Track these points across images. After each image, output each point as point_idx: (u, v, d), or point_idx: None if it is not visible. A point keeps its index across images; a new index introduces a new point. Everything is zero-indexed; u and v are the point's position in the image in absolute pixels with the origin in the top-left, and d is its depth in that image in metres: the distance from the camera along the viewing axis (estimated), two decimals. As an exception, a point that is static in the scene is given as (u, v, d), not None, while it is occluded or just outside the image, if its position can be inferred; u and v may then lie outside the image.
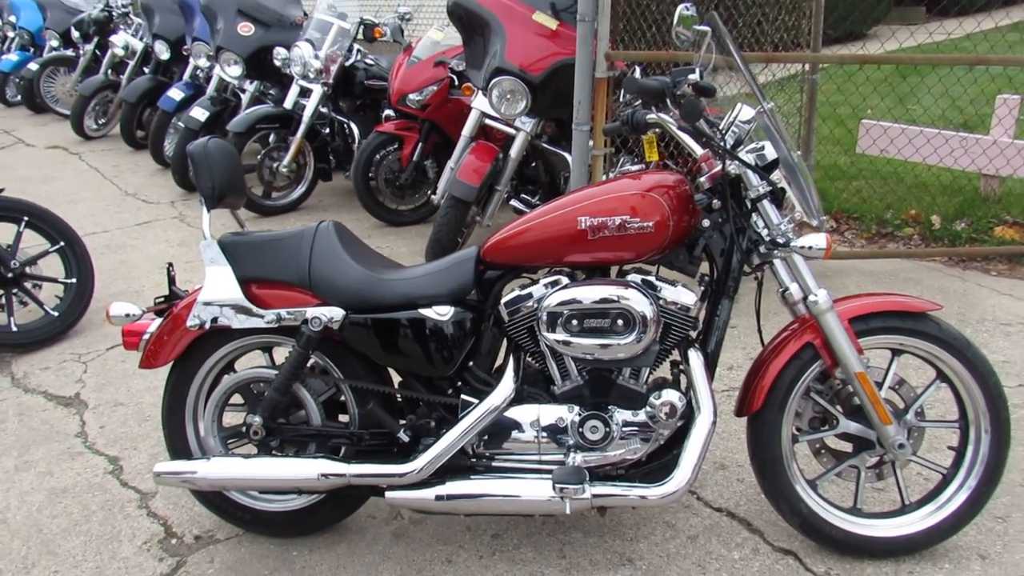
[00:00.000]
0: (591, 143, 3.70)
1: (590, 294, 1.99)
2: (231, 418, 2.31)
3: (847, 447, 2.19)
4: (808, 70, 4.92)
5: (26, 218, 3.59)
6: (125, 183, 6.28)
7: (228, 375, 2.26)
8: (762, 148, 2.00)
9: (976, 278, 4.06)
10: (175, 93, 6.22)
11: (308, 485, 2.10)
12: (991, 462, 2.09)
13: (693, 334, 2.12)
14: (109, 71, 7.91)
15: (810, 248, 1.93)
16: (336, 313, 2.08)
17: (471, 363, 2.16)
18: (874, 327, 2.07)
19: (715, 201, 2.06)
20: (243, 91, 5.83)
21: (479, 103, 4.19)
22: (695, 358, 2.06)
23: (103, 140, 7.85)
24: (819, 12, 4.72)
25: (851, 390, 2.08)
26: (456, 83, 4.58)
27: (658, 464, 2.10)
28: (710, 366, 2.09)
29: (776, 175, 1.99)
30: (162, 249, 4.76)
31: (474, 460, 2.12)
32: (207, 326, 2.13)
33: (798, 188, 1.99)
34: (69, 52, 9.04)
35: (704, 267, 2.14)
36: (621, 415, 2.06)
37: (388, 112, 5.15)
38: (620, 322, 1.98)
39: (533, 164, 4.49)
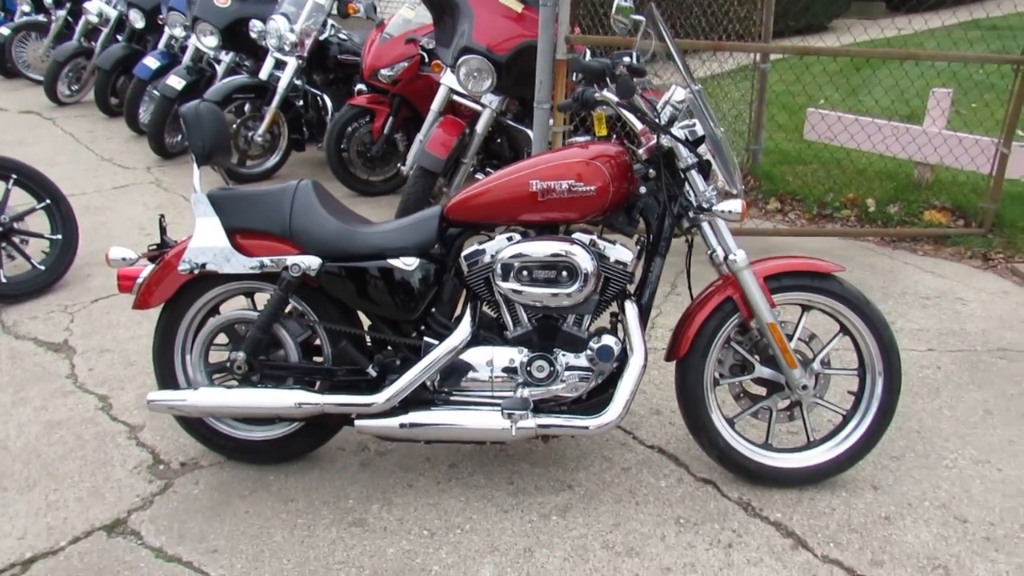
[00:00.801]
0: (551, 120, 3.97)
1: (540, 249, 2.27)
2: (216, 357, 2.55)
3: (763, 392, 2.50)
4: (759, 60, 5.24)
5: (14, 176, 3.76)
6: (101, 149, 6.41)
7: (213, 317, 2.50)
8: (693, 125, 2.29)
9: (904, 257, 4.42)
10: (151, 61, 6.34)
11: (286, 413, 2.37)
12: (883, 404, 2.42)
13: (631, 288, 2.41)
14: (83, 38, 7.97)
15: (728, 212, 2.22)
16: (314, 261, 2.34)
17: (434, 309, 2.43)
18: (785, 284, 2.38)
19: (651, 171, 2.35)
20: (219, 62, 5.98)
21: (447, 80, 4.43)
22: (630, 309, 2.36)
23: (77, 106, 7.92)
24: (770, 4, 5.03)
25: (766, 341, 2.39)
26: (426, 60, 4.81)
27: (597, 400, 2.39)
28: (644, 316, 2.39)
29: (703, 149, 2.28)
30: (139, 212, 4.95)
31: (435, 395, 2.40)
32: (196, 271, 2.37)
33: (722, 161, 2.27)
34: (41, 17, 9.04)
35: (642, 229, 2.42)
36: (565, 357, 2.35)
37: (360, 86, 5.37)
38: (565, 274, 2.26)
39: (498, 140, 4.76)
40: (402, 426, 2.33)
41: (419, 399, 2.38)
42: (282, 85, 5.35)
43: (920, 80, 5.18)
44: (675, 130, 2.29)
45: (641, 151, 2.37)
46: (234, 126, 5.43)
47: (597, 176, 2.25)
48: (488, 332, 2.43)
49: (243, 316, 2.46)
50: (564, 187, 2.25)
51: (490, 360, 2.37)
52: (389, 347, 2.46)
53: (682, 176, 2.32)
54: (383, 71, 4.96)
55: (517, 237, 2.35)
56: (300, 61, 5.37)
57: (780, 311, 2.37)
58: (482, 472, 2.56)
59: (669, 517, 2.37)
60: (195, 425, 2.52)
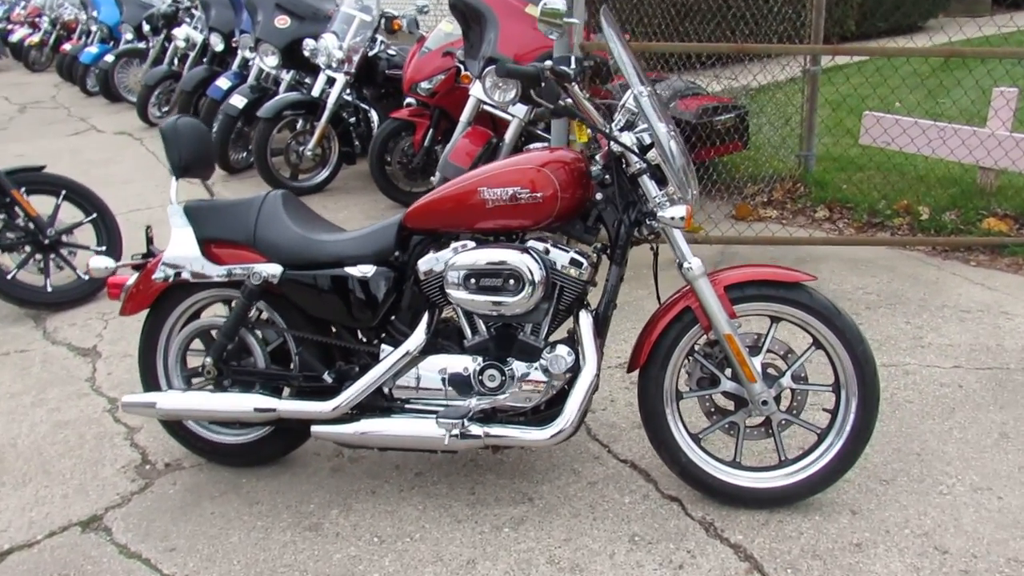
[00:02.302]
0: (571, 132, 3.93)
1: (486, 257, 2.25)
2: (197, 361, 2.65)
3: (732, 407, 2.38)
4: (810, 63, 5.02)
5: (64, 192, 4.06)
6: (175, 165, 6.80)
7: (190, 323, 2.61)
8: (647, 129, 2.22)
9: (954, 267, 4.11)
10: (223, 82, 6.69)
11: (245, 417, 2.44)
12: (857, 424, 2.26)
13: (591, 297, 2.35)
14: (174, 62, 8.51)
15: (671, 219, 2.14)
16: (275, 269, 2.41)
17: (393, 317, 2.45)
18: (749, 294, 2.26)
19: (607, 176, 2.29)
20: (280, 80, 6.25)
21: (476, 91, 4.47)
22: (584, 318, 2.30)
23: (166, 126, 8.43)
24: (820, 4, 4.82)
25: (724, 353, 2.27)
26: (462, 72, 4.86)
27: (555, 411, 2.34)
28: (601, 326, 2.32)
29: (652, 154, 2.20)
30: (195, 224, 5.22)
31: (392, 402, 2.42)
32: (171, 279, 2.49)
33: (672, 166, 2.19)
34: (141, 45, 9.71)
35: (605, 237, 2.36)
36: (518, 366, 2.32)
37: (410, 99, 5.49)
38: (512, 282, 2.23)
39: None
40: (355, 433, 2.36)
41: (375, 406, 2.41)
42: (331, 100, 5.54)
43: (1006, 80, 4.78)
44: (625, 135, 2.23)
45: (598, 156, 2.33)
46: (287, 141, 5.67)
47: (546, 183, 2.22)
48: (447, 340, 2.43)
49: (215, 323, 2.55)
50: (512, 195, 2.23)
51: (444, 368, 2.36)
52: (352, 354, 2.50)
53: (636, 182, 2.25)
54: (422, 84, 5.05)
55: (471, 245, 2.34)
56: (348, 77, 5.54)
57: (741, 323, 2.25)
58: (446, 481, 2.55)
59: (624, 534, 2.29)
60: (175, 428, 2.64)
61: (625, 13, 4.81)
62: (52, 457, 2.77)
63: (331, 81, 5.60)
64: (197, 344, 2.64)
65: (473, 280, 2.26)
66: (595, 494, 2.46)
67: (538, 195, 2.21)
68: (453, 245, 2.36)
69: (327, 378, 2.44)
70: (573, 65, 2.15)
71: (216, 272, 2.45)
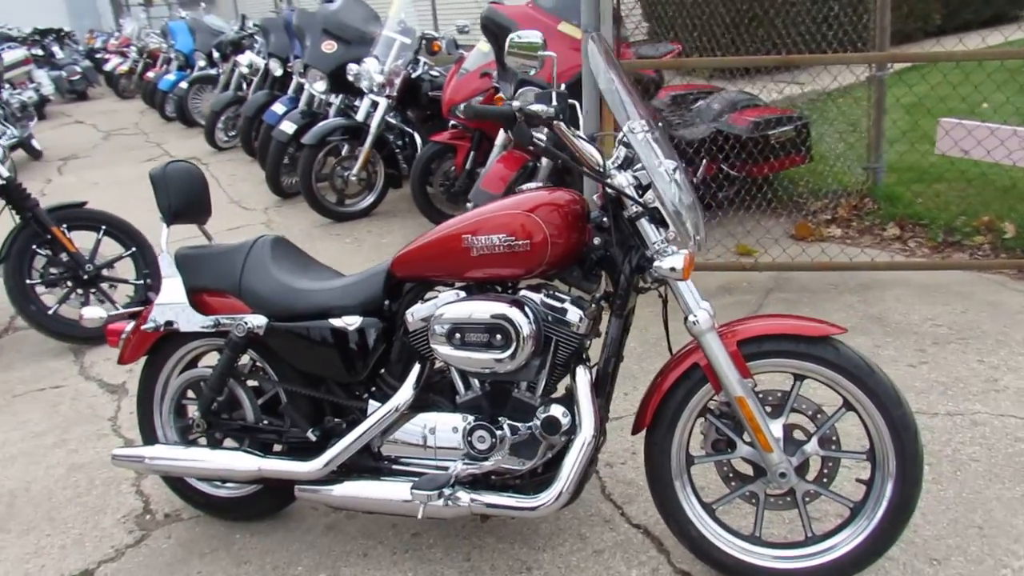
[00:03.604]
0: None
1: (471, 309, 2.07)
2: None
3: (751, 473, 2.12)
4: (875, 68, 4.64)
5: (104, 227, 4.11)
6: (233, 191, 6.91)
7: (182, 374, 2.53)
8: (641, 169, 2.00)
9: (1041, 294, 3.67)
10: (278, 107, 6.73)
11: (226, 475, 2.34)
12: (894, 500, 1.96)
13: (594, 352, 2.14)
14: (241, 87, 8.70)
15: (667, 269, 1.91)
16: (260, 320, 2.29)
17: (383, 370, 2.30)
18: (767, 350, 2.00)
19: (604, 220, 2.08)
20: (330, 105, 6.24)
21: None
22: (581, 375, 2.09)
23: (234, 151, 8.61)
24: (883, 5, 4.44)
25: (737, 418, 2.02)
26: (499, 93, 4.70)
27: (553, 475, 2.14)
28: (601, 384, 2.11)
29: (649, 196, 1.97)
30: (241, 252, 5.24)
31: (380, 462, 2.27)
32: (161, 328, 2.41)
33: (671, 208, 1.95)
34: (213, 71, 9.99)
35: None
36: (510, 427, 2.13)
37: (454, 121, 5.37)
38: (500, 337, 2.04)
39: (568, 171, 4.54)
40: (337, 496, 2.22)
41: (365, 467, 2.26)
42: (374, 124, 5.48)
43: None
44: (621, 176, 2.01)
45: (595, 197, 2.12)
46: (332, 166, 5.64)
47: (535, 229, 2.02)
48: (439, 396, 2.26)
49: (204, 374, 2.46)
50: (496, 242, 2.05)
51: (433, 427, 2.20)
52: (343, 410, 2.36)
53: (631, 226, 2.03)
54: (461, 106, 4.91)
55: (461, 295, 2.17)
56: (390, 100, 5.47)
57: (756, 381, 1.99)
58: (442, 545, 2.38)
59: (626, 616, 2.07)
60: (173, 480, 2.56)
61: (677, 23, 4.54)
62: (60, 503, 2.75)
63: (375, 105, 5.54)
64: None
65: (458, 335, 2.09)
66: (599, 565, 2.24)
67: (526, 242, 2.02)
68: (442, 294, 2.20)
69: (311, 435, 2.30)
70: (555, 102, 1.95)
71: (203, 323, 2.36)
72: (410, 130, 5.64)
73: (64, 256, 4.00)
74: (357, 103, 6.20)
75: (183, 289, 2.40)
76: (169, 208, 2.45)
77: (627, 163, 2.07)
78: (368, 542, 2.42)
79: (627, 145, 2.05)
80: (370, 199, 5.78)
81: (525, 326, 2.03)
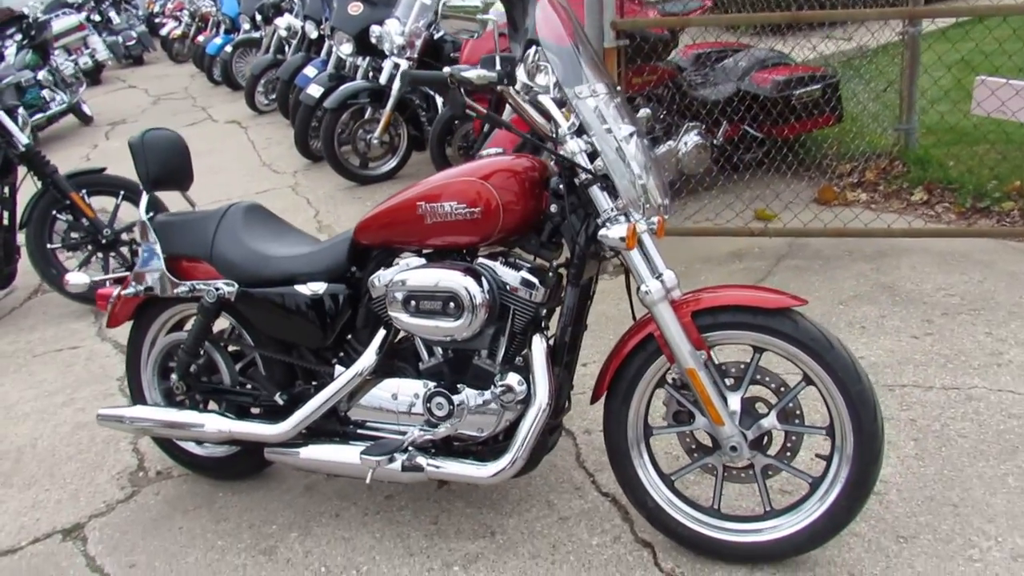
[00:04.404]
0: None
1: (425, 277, 2.07)
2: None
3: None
4: (908, 24, 4.40)
5: (122, 192, 4.22)
6: (267, 154, 7.01)
7: (169, 335, 2.60)
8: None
9: (1069, 262, 3.48)
10: (309, 70, 6.76)
11: (200, 436, 2.41)
12: (852, 477, 1.90)
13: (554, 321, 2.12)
14: (282, 50, 8.75)
15: (609, 238, 1.86)
16: (230, 287, 2.34)
17: (349, 336, 2.32)
18: (722, 322, 1.94)
19: (561, 186, 2.04)
20: (358, 68, 6.24)
21: (520, 75, 4.21)
22: (538, 343, 2.07)
23: (273, 114, 8.68)
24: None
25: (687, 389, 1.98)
26: (516, 54, 4.62)
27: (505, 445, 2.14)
28: (558, 353, 2.09)
29: (599, 163, 1.92)
30: (265, 216, 5.32)
31: (347, 427, 2.30)
32: (141, 294, 2.48)
33: (621, 176, 1.90)
34: (257, 34, 10.08)
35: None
36: (469, 394, 2.13)
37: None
38: (452, 305, 2.04)
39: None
40: (302, 458, 2.27)
41: (330, 431, 2.30)
42: (395, 87, 5.46)
43: None
44: (572, 142, 1.96)
45: (553, 164, 2.08)
46: (355, 129, 5.66)
47: (486, 197, 2.00)
48: (403, 363, 2.28)
49: (181, 339, 2.53)
50: (448, 210, 2.03)
51: (395, 393, 2.22)
52: (314, 376, 2.40)
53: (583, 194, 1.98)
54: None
55: (421, 262, 2.17)
56: (411, 62, 5.44)
57: (708, 354, 1.95)
58: (412, 507, 2.41)
59: (579, 584, 2.07)
60: (161, 439, 2.65)
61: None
62: (61, 459, 2.88)
63: (397, 67, 5.52)
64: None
65: (413, 302, 2.09)
66: (563, 532, 2.25)
67: (475, 211, 2.00)
68: (397, 263, 2.20)
69: (278, 399, 2.35)
70: (498, 66, 1.90)
71: (179, 288, 2.41)
72: (431, 92, 5.60)
73: (84, 221, 4.13)
74: (384, 65, 6.21)
75: (161, 255, 2.45)
76: (148, 175, 2.49)
77: (582, 129, 2.02)
78: (342, 503, 2.47)
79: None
80: (393, 162, 5.79)
81: (478, 294, 2.02)
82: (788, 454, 2.02)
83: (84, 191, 4.12)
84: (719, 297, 1.95)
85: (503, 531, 2.28)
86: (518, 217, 2.02)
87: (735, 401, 1.98)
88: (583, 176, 1.94)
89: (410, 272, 2.10)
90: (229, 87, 10.45)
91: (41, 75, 8.63)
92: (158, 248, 2.46)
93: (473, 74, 1.92)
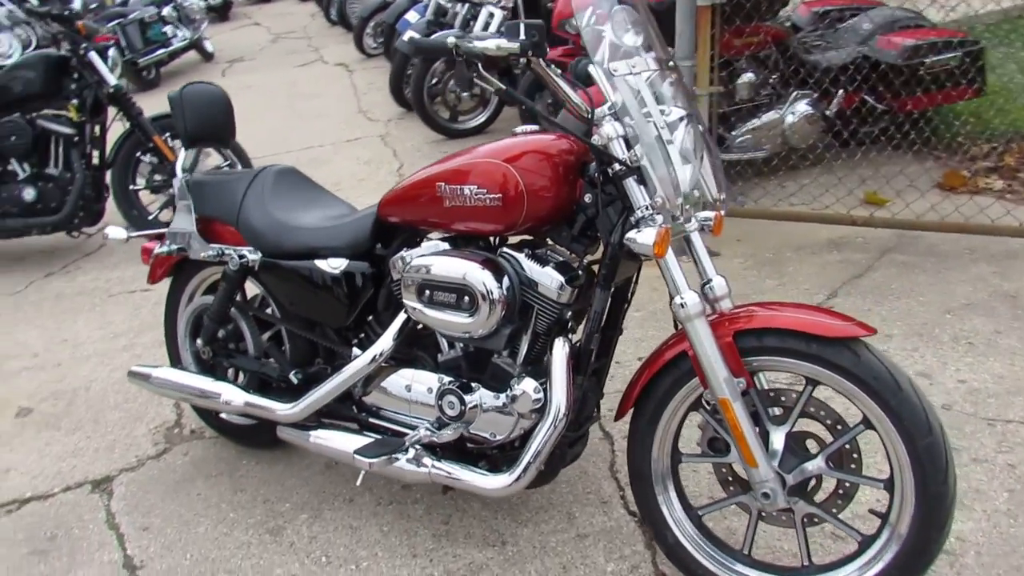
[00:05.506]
0: (694, 83, 3.28)
1: (441, 265, 1.89)
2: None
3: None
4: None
5: (204, 136, 4.22)
6: (365, 101, 6.96)
7: (203, 297, 2.54)
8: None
9: None
10: (412, 16, 6.60)
11: (218, 407, 2.34)
12: (909, 544, 1.60)
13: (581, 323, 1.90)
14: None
15: (636, 243, 1.60)
16: (255, 255, 2.23)
17: (370, 317, 2.17)
18: (768, 346, 1.66)
19: (598, 175, 1.79)
20: (456, 15, 6.02)
21: (607, 32, 3.89)
22: (559, 348, 1.84)
23: (379, 58, 8.63)
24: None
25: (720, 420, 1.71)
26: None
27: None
28: (581, 359, 1.86)
29: (638, 151, 1.65)
30: (350, 166, 5.26)
31: (361, 413, 2.17)
32: (174, 254, 2.42)
33: (662, 169, 1.63)
34: (370, -25, 9.99)
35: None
36: (483, 395, 1.94)
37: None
38: (467, 299, 1.85)
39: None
40: (311, 442, 2.16)
41: (343, 415, 2.18)
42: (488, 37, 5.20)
43: None
44: (609, 125, 1.70)
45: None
46: (447, 80, 5.48)
47: (506, 182, 1.78)
48: (423, 352, 2.11)
49: (208, 303, 2.45)
50: (468, 193, 1.82)
51: (410, 384, 2.06)
52: (332, 355, 2.28)
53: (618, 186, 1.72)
54: (571, 21, 4.54)
55: (443, 246, 1.98)
56: (505, 12, 5.17)
57: (746, 381, 1.67)
58: (427, 502, 2.28)
59: (585, 616, 1.88)
60: (194, 400, 2.62)
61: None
62: (109, 407, 2.92)
63: (492, 16, 5.27)
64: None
65: (427, 292, 1.91)
66: (577, 552, 2.05)
67: (495, 197, 1.78)
68: (424, 243, 2.02)
69: (292, 378, 2.24)
70: (522, 35, 1.66)
71: (208, 251, 2.33)
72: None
73: (167, 164, 4.17)
74: (479, 13, 5.96)
75: (193, 216, 2.37)
76: (186, 131, 2.41)
77: (625, 110, 1.75)
78: (358, 488, 2.36)
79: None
80: (483, 117, 5.59)
81: (495, 290, 1.81)
82: (839, 502, 1.73)
83: (168, 134, 4.15)
84: (768, 317, 1.66)
85: (515, 542, 2.11)
86: (547, 205, 1.79)
87: (779, 438, 1.71)
88: (617, 166, 1.68)
89: (427, 258, 1.92)
90: (344, 28, 10.47)
91: (165, 11, 8.87)
92: (192, 207, 2.38)
93: (492, 43, 1.68)
